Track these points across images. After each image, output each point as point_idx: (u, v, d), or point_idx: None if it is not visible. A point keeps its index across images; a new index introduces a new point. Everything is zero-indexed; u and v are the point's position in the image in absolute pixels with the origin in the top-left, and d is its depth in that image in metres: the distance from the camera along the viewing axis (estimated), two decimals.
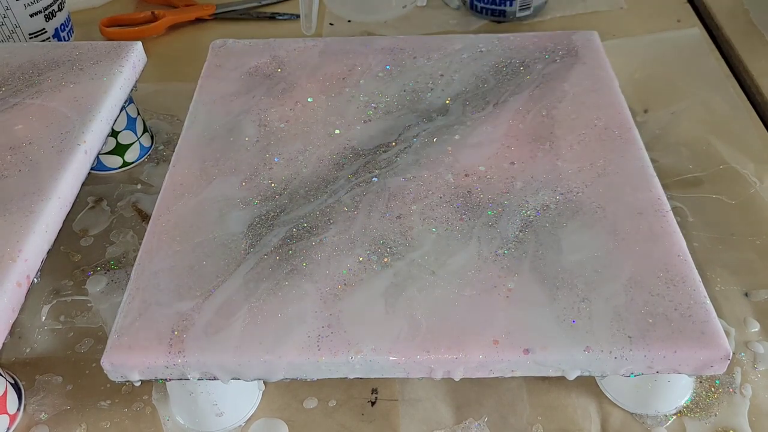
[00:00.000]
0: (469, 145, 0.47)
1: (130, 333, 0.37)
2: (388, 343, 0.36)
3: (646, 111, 0.62)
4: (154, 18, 0.75)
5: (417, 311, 0.37)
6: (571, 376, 0.36)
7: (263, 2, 0.78)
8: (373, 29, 0.74)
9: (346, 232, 0.41)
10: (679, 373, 0.36)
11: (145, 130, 0.59)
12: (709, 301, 0.37)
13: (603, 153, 0.45)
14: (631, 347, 0.35)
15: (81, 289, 0.50)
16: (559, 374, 0.36)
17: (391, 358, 0.35)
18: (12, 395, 0.43)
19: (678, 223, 0.41)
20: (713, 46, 0.69)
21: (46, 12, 0.66)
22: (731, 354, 0.35)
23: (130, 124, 0.57)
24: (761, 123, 0.60)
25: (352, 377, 0.37)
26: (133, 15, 0.76)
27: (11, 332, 0.38)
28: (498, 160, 0.45)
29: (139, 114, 0.58)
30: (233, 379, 0.37)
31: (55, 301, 0.49)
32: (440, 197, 0.43)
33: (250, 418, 0.42)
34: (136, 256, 0.41)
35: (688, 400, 0.42)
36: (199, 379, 0.37)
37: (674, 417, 0.41)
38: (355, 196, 0.43)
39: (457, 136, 0.47)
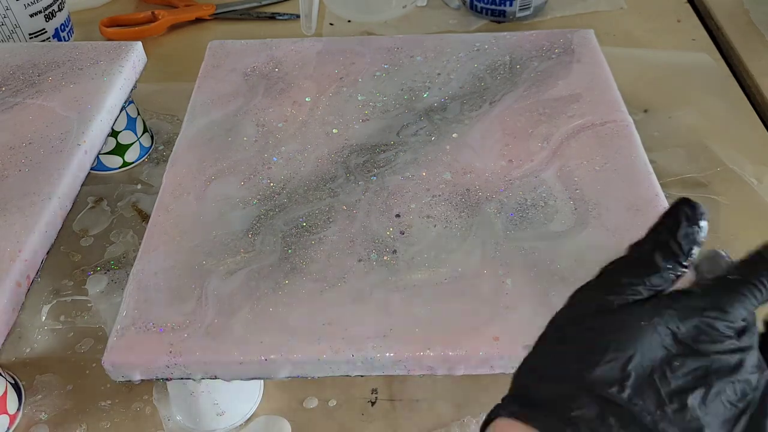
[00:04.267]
0: (466, 143, 0.47)
1: (130, 333, 0.37)
2: (389, 340, 0.36)
3: (645, 111, 0.62)
4: (154, 18, 0.75)
5: (417, 308, 0.37)
6: None
7: (263, 2, 0.78)
8: (373, 29, 0.74)
9: (346, 231, 0.41)
10: None
11: (145, 130, 0.59)
12: None
13: (600, 150, 0.45)
14: None
15: (81, 289, 0.50)
16: None
17: (392, 355, 0.35)
18: (12, 395, 0.43)
19: None
20: (713, 46, 0.69)
21: (46, 12, 0.67)
22: None
23: (130, 124, 0.57)
24: (761, 123, 0.60)
25: (353, 375, 0.37)
26: (133, 15, 0.76)
27: (11, 332, 0.38)
28: (495, 158, 0.45)
29: (139, 114, 0.58)
30: (234, 378, 0.37)
31: (55, 301, 0.49)
32: (438, 195, 0.43)
33: (250, 418, 0.42)
34: (136, 256, 0.41)
35: None
36: (201, 379, 0.37)
37: None
38: (354, 195, 0.43)
39: (454, 135, 0.47)
